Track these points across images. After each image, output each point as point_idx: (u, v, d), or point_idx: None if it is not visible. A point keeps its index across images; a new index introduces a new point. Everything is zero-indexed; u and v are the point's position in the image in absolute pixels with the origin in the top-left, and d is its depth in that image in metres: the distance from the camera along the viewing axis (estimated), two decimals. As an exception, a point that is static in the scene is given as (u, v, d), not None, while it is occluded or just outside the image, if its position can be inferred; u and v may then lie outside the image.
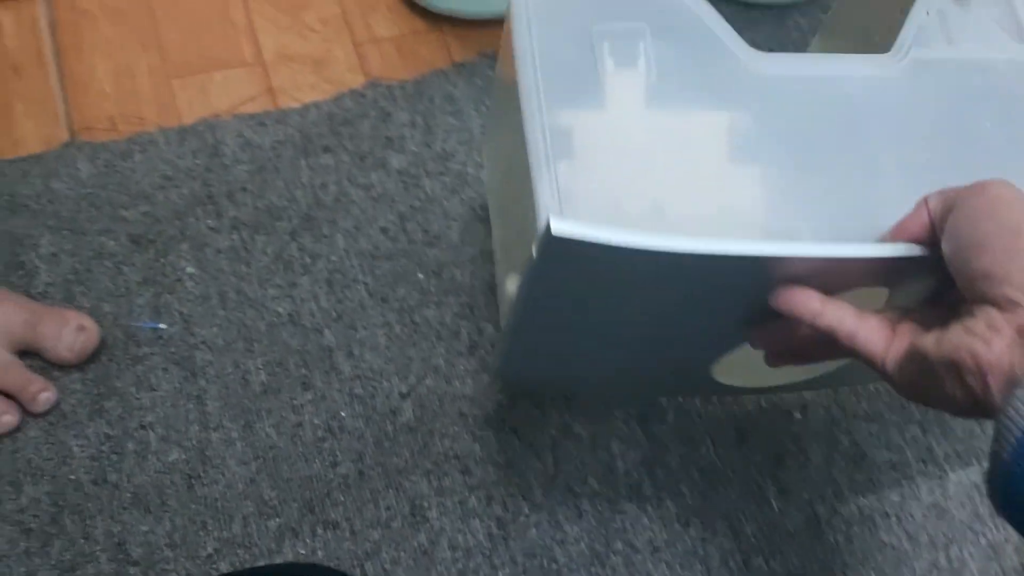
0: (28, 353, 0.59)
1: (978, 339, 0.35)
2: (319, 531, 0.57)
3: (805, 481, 0.62)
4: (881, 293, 0.45)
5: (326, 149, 0.70)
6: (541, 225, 0.38)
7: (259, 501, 0.57)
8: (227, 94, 0.73)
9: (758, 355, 0.48)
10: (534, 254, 0.39)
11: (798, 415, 0.64)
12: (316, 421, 0.60)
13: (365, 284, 0.65)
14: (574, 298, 0.45)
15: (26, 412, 0.58)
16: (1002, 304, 0.36)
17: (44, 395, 0.58)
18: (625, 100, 0.47)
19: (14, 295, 0.60)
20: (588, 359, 0.55)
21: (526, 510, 0.59)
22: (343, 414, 0.60)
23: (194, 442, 0.59)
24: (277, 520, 0.57)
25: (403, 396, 0.61)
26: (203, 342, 0.62)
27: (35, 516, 0.55)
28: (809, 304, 0.41)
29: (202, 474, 0.58)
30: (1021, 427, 0.33)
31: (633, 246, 0.38)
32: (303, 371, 0.62)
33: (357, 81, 0.74)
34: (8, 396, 0.58)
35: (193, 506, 0.57)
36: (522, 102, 0.46)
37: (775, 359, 0.47)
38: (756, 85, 0.48)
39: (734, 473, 0.61)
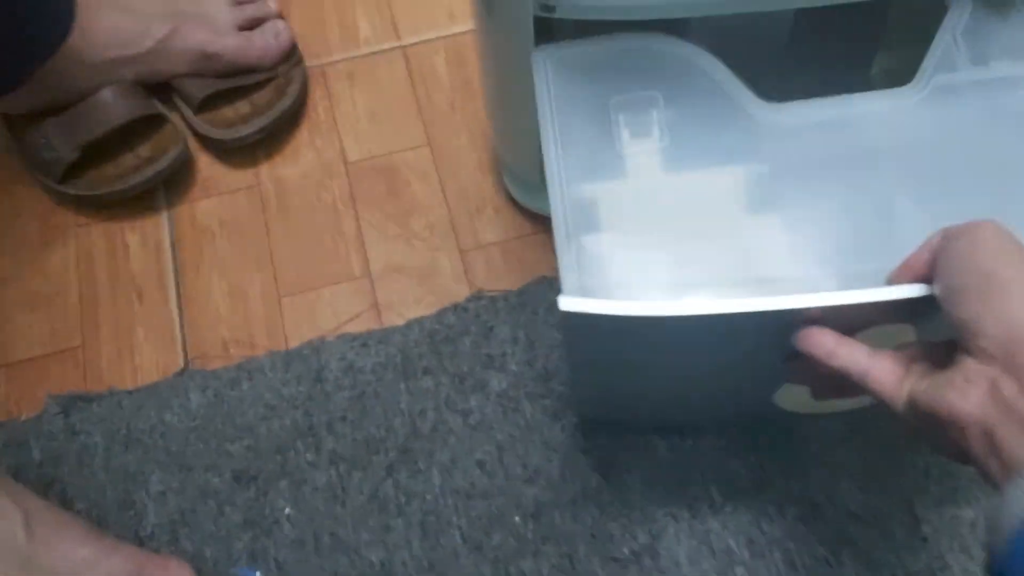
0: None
1: (955, 391, 0.35)
2: None
3: None
4: (906, 329, 0.43)
5: (426, 371, 0.69)
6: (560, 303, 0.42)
7: None
8: (333, 312, 0.73)
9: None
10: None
11: None
12: None
13: (459, 528, 0.62)
14: (616, 353, 0.49)
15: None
16: (977, 355, 0.35)
17: (142, 653, 0.59)
18: (643, 167, 0.50)
19: (123, 545, 0.61)
20: (646, 397, 0.58)
21: None
22: None
23: None
24: None
25: (494, 666, 0.58)
26: (297, 590, 0.61)
27: None
28: (824, 345, 0.41)
29: None
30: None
31: (640, 314, 0.41)
32: (393, 629, 0.59)
33: (462, 292, 0.73)
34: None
35: None
36: (548, 181, 0.49)
37: (818, 394, 0.48)
38: (770, 136, 0.49)
39: None
